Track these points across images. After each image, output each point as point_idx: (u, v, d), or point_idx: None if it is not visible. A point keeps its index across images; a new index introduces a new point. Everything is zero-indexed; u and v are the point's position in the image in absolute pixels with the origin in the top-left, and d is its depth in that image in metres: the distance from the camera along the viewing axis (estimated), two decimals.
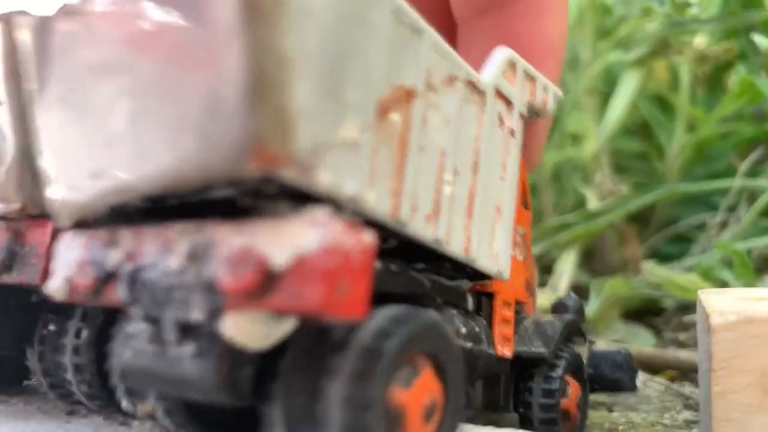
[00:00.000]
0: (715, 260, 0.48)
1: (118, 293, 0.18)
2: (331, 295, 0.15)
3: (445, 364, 0.19)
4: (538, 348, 0.26)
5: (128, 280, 0.18)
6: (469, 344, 0.23)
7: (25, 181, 0.22)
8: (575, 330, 0.28)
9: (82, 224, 0.20)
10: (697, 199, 0.58)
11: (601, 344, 0.41)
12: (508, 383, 0.27)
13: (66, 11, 0.19)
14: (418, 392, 0.18)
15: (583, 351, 0.28)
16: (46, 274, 0.22)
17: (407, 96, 0.19)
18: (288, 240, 0.15)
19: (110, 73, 0.17)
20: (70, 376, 0.24)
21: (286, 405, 0.18)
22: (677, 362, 0.41)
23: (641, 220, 0.59)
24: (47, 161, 0.20)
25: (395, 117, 0.19)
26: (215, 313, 0.17)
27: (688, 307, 0.49)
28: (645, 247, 0.58)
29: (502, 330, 0.25)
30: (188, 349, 0.17)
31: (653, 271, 0.49)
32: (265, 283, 0.15)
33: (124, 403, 0.23)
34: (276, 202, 0.17)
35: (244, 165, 0.15)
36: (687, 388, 0.38)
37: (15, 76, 0.21)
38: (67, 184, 0.19)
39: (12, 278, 0.23)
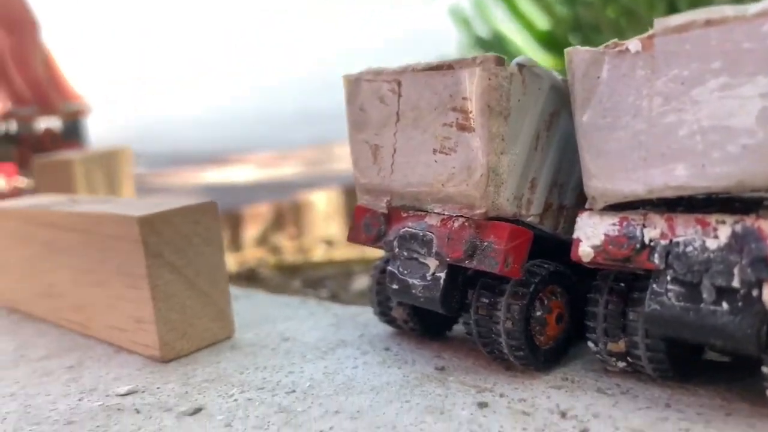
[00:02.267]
0: None
1: (652, 261, 0.25)
2: None
3: None
4: None
5: (663, 252, 0.25)
6: None
7: (489, 192, 0.28)
8: None
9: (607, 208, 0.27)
10: None
11: None
12: None
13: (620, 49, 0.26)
14: None
15: None
16: (503, 264, 0.28)
17: None
18: None
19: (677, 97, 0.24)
20: (502, 339, 0.30)
21: None
22: None
23: None
24: (590, 162, 0.26)
25: None
26: (757, 284, 0.23)
27: None
28: None
29: None
30: (724, 307, 0.24)
31: None
32: None
33: (591, 345, 0.29)
34: None
35: None
36: None
37: (488, 110, 0.27)
38: (609, 178, 0.26)
39: (472, 264, 0.29)
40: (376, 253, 0.72)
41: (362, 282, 0.65)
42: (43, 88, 0.86)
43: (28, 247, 0.44)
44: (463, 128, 0.28)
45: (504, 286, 0.30)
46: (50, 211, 0.41)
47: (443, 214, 0.30)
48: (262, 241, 0.79)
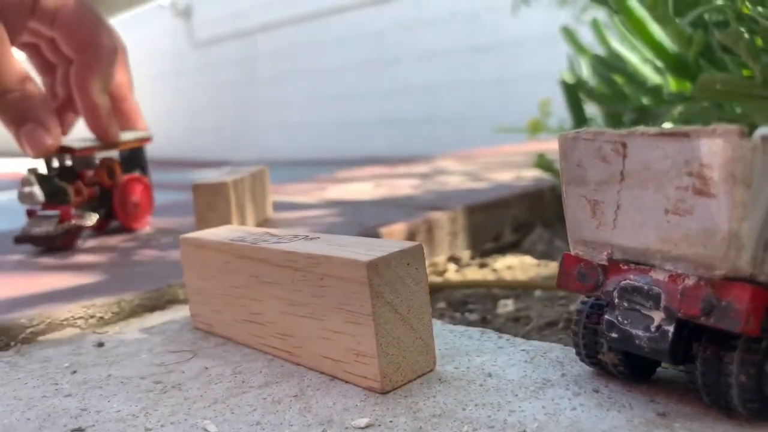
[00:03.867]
0: None
1: None
2: None
3: None
4: None
5: None
6: None
7: (730, 255, 0.30)
8: None
9: None
10: None
11: None
12: None
13: None
14: None
15: None
16: (745, 323, 0.29)
17: None
18: None
19: None
20: (733, 391, 0.31)
21: None
22: None
23: None
24: None
25: None
26: None
27: None
28: None
29: None
30: None
31: None
32: None
33: None
34: None
35: None
36: None
37: (732, 179, 0.29)
38: None
39: (708, 322, 0.31)
40: (513, 275, 0.74)
41: (507, 306, 0.68)
42: (100, 116, 0.79)
43: (234, 278, 0.48)
44: (700, 193, 0.30)
45: (733, 341, 0.32)
46: (261, 248, 0.45)
47: (672, 271, 0.32)
48: None
